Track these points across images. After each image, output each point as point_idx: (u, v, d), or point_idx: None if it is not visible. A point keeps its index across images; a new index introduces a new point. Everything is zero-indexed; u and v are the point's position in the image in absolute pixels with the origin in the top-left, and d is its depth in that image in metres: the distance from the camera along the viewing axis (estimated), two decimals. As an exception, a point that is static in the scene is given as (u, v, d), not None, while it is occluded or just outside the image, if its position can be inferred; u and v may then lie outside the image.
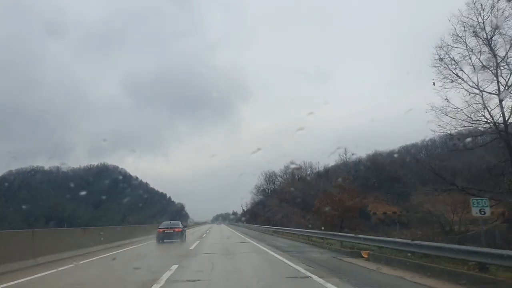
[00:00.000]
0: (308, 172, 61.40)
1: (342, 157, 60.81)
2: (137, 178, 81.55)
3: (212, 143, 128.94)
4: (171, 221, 25.28)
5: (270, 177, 68.04)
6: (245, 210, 79.72)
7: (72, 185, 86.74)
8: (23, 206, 75.02)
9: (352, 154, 62.02)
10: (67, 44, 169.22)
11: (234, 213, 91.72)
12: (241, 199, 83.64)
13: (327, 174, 63.56)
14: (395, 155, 63.53)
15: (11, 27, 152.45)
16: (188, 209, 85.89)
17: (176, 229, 23.17)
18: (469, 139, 17.39)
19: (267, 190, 68.88)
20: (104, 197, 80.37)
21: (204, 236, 31.21)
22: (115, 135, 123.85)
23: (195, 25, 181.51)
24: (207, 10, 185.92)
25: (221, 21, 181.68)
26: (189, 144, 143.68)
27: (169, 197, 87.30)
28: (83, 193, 72.35)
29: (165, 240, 22.27)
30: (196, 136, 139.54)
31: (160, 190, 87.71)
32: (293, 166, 62.61)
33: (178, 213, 71.87)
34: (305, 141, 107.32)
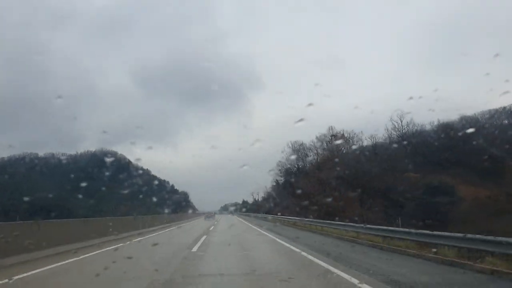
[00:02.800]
0: (350, 144, 46.89)
1: (396, 123, 46.11)
2: (137, 165, 69.00)
3: (221, 134, 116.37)
4: (209, 211, 55.12)
5: (298, 151, 53.12)
6: (257, 199, 65.96)
7: (60, 172, 74.59)
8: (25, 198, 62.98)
9: (408, 123, 47.50)
10: (74, 32, 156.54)
11: (245, 203, 77.86)
12: (253, 187, 69.94)
13: (375, 148, 49.26)
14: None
15: (18, 15, 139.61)
16: (193, 198, 76.81)
17: (212, 215, 52.81)
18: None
19: (297, 167, 53.94)
20: (103, 188, 68.73)
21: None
22: (123, 125, 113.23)
23: (206, 12, 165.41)
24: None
25: (233, 8, 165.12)
26: (197, 134, 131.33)
27: (172, 185, 74.79)
28: (83, 184, 60.83)
29: (206, 219, 46.30)
30: (205, 127, 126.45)
31: (163, 178, 75.10)
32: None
33: (181, 203, 60.87)
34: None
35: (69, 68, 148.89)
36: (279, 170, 55.04)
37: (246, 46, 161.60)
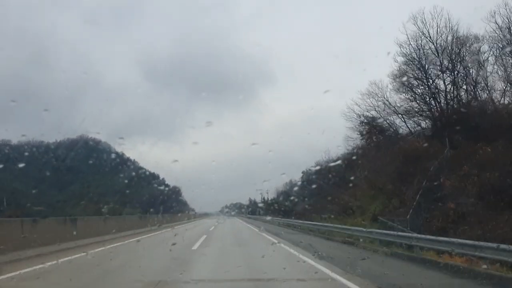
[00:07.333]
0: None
1: None
2: (123, 154, 56.67)
3: (230, 131, 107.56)
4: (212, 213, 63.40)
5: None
6: (265, 199, 53.44)
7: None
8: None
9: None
10: (78, 20, 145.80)
11: (252, 201, 65.45)
12: (264, 186, 58.10)
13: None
14: None
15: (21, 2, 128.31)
16: (194, 197, 68.94)
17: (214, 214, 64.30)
18: None
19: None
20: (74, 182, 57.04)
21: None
22: (126, 118, 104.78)
23: (220, 2, 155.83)
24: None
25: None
26: (204, 130, 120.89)
27: (163, 178, 61.69)
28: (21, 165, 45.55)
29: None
30: (213, 122, 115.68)
31: (158, 174, 62.51)
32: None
33: (174, 200, 49.88)
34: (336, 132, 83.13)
35: (72, 57, 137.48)
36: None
37: (260, 39, 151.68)
